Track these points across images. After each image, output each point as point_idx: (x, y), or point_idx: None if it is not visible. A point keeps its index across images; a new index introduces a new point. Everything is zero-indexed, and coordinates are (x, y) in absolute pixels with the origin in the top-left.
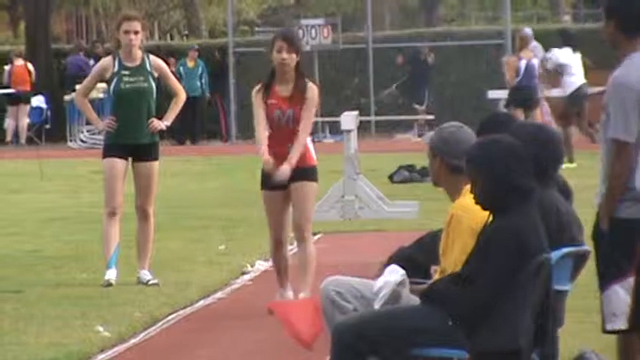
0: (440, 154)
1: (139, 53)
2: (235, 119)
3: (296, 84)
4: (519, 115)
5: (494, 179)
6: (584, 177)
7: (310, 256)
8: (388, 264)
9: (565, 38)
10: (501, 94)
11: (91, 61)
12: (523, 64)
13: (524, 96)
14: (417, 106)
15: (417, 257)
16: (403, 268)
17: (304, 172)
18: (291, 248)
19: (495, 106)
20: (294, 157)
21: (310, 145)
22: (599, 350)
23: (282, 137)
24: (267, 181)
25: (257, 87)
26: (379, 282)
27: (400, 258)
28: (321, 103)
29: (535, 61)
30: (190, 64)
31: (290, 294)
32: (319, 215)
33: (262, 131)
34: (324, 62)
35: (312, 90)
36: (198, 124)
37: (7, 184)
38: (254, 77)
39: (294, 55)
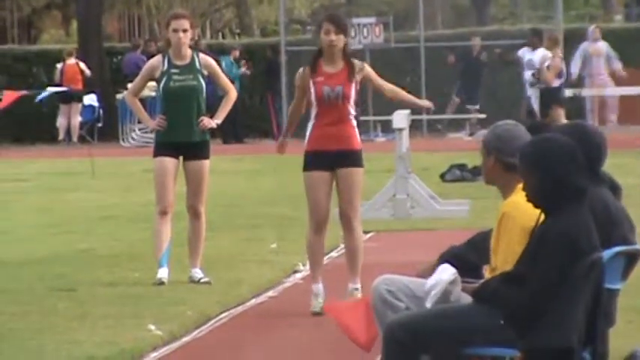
0: (494, 151)
1: (188, 52)
2: (287, 118)
3: (345, 63)
4: (561, 113)
5: (547, 177)
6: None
7: (359, 246)
8: (439, 263)
9: (539, 37)
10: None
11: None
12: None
13: (560, 95)
14: (469, 106)
15: (468, 256)
16: (454, 266)
17: (350, 157)
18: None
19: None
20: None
21: (356, 129)
22: None
23: (333, 115)
24: (311, 162)
25: (301, 69)
26: (431, 280)
27: (451, 257)
28: (372, 101)
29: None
30: (234, 55)
31: (321, 287)
32: (371, 214)
33: (292, 112)
34: (375, 61)
35: (363, 65)
36: (238, 123)
37: (60, 182)
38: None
39: (341, 36)
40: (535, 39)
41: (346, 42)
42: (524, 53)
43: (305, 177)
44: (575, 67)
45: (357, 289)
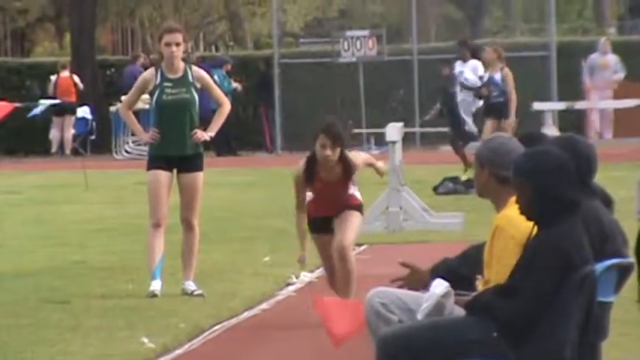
0: (489, 164)
1: (181, 65)
2: (280, 130)
3: (342, 169)
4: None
5: (540, 190)
6: (627, 189)
7: (351, 274)
8: (431, 274)
9: (471, 50)
10: (548, 106)
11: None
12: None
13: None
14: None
15: (461, 269)
16: (447, 279)
17: (349, 207)
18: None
19: (540, 118)
20: None
21: (357, 191)
22: None
23: (328, 202)
24: (316, 227)
25: (298, 172)
26: (425, 296)
27: (444, 269)
28: (366, 114)
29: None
30: (228, 67)
31: None
32: (364, 227)
33: (300, 222)
34: (369, 73)
35: (358, 162)
36: (231, 135)
37: (53, 195)
38: (299, 88)
39: (338, 149)
40: (465, 51)
41: (342, 150)
42: (457, 66)
43: (313, 238)
44: (586, 79)
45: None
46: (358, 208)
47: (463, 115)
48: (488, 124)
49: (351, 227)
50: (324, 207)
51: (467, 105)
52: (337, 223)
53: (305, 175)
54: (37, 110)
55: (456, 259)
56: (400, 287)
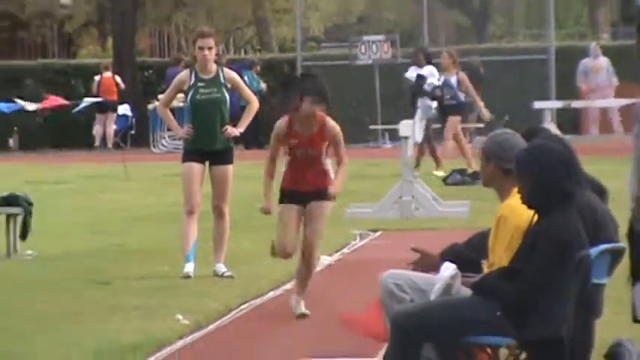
0: (494, 158)
1: (213, 66)
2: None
3: (319, 128)
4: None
5: (539, 182)
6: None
7: (313, 268)
8: (441, 257)
9: (425, 55)
10: (547, 105)
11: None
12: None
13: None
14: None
15: (467, 253)
16: (455, 262)
17: (322, 190)
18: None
19: (540, 116)
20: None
21: (331, 172)
22: (631, 338)
23: (303, 168)
24: (286, 198)
25: (279, 126)
26: (435, 278)
27: (453, 253)
28: (381, 112)
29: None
30: (256, 76)
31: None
32: (379, 214)
33: (268, 171)
34: (384, 75)
35: (334, 126)
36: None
37: (95, 185)
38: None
39: (322, 107)
40: (420, 56)
41: (325, 108)
42: (412, 71)
43: (280, 209)
44: (579, 82)
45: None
46: (328, 194)
47: (416, 119)
48: (451, 120)
49: (320, 225)
50: (299, 176)
51: (427, 109)
52: (308, 215)
53: (285, 129)
54: (81, 106)
55: (464, 244)
56: (413, 270)
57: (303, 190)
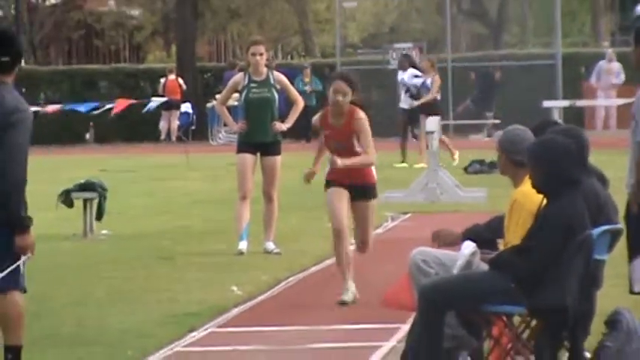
0: (506, 151)
1: (264, 70)
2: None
3: (348, 117)
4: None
5: (548, 172)
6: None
7: (349, 257)
8: (463, 236)
9: (410, 62)
10: (555, 104)
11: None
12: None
13: (438, 106)
14: (487, 113)
15: (485, 234)
16: (475, 241)
17: (365, 191)
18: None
19: (548, 113)
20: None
21: (373, 168)
22: (629, 308)
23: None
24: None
25: (315, 119)
26: (457, 255)
27: (473, 233)
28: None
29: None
30: (306, 79)
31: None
32: (408, 199)
33: (321, 146)
34: None
35: (362, 114)
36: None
37: (161, 173)
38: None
39: (349, 96)
40: (404, 62)
41: (353, 98)
42: (399, 75)
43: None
44: (593, 80)
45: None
46: (373, 190)
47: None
48: (422, 119)
49: (370, 227)
50: (341, 170)
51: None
52: (357, 220)
53: (319, 121)
54: (150, 106)
55: (483, 225)
56: (437, 247)
57: (346, 183)
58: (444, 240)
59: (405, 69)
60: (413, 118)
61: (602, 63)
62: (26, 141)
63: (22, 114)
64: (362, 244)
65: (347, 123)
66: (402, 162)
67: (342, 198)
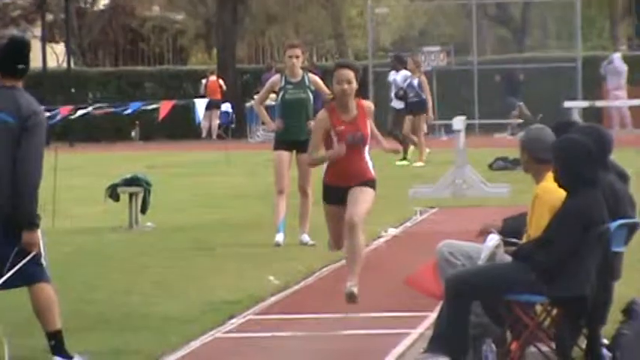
0: (527, 149)
1: (300, 72)
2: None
3: (358, 108)
4: (424, 119)
5: (570, 169)
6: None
7: (358, 248)
8: (503, 225)
9: (401, 62)
10: (575, 104)
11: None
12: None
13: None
14: (513, 113)
15: (512, 227)
16: (501, 235)
17: (363, 182)
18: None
19: (570, 113)
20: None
21: (372, 167)
22: None
23: (346, 164)
24: (328, 197)
25: (322, 114)
26: (483, 247)
27: (503, 227)
28: (438, 109)
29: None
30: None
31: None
32: (436, 194)
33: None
34: (440, 79)
35: (368, 103)
36: None
37: (203, 168)
38: (387, 89)
39: (354, 84)
40: (397, 63)
41: (358, 84)
42: (391, 75)
43: (324, 208)
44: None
45: (353, 285)
46: (372, 184)
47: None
48: (407, 119)
49: (364, 203)
50: (342, 169)
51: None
52: (350, 197)
53: (328, 115)
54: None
55: (510, 218)
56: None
57: (346, 185)
58: (493, 230)
59: (397, 70)
60: (399, 118)
61: (610, 66)
62: (42, 142)
63: (37, 117)
64: (350, 221)
65: (361, 114)
66: (403, 159)
67: (339, 220)
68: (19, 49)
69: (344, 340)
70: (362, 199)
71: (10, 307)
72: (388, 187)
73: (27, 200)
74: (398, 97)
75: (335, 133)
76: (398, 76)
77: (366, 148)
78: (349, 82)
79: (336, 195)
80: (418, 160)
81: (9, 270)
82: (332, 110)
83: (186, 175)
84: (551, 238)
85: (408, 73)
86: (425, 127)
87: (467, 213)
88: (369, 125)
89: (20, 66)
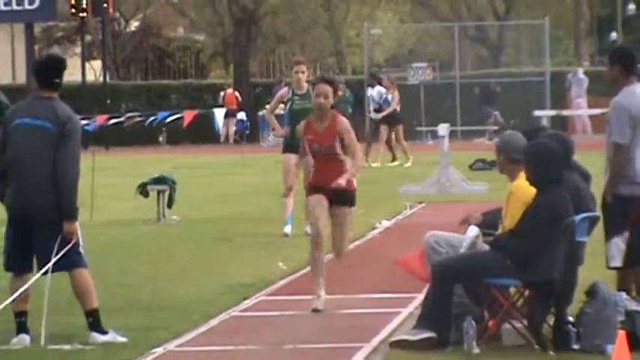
0: (503, 152)
1: (305, 85)
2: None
3: (330, 123)
4: (400, 129)
5: (539, 169)
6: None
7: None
8: (483, 216)
9: (377, 79)
10: (544, 113)
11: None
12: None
13: (398, 116)
14: (489, 120)
15: (489, 220)
16: (480, 227)
17: (346, 197)
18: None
19: (539, 121)
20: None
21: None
22: (605, 281)
23: (324, 165)
24: (312, 191)
25: (301, 125)
26: (464, 237)
27: (482, 220)
28: (425, 117)
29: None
30: (340, 92)
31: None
32: (424, 190)
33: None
34: (427, 91)
35: (344, 122)
36: None
37: (221, 169)
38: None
39: (330, 99)
40: (373, 80)
41: (334, 100)
42: (369, 91)
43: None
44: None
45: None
46: (353, 197)
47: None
48: (382, 128)
49: (346, 233)
50: (320, 175)
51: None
52: (335, 223)
53: (304, 126)
54: (216, 123)
55: (488, 213)
56: (465, 228)
57: (325, 184)
58: (474, 221)
59: (373, 86)
60: (377, 127)
61: (571, 76)
62: (78, 145)
63: (73, 123)
64: (337, 251)
65: (330, 126)
66: (393, 160)
67: (322, 207)
68: (56, 65)
69: (343, 318)
70: (345, 229)
71: (53, 290)
72: (382, 185)
73: (66, 196)
74: (376, 111)
75: (305, 140)
76: (374, 92)
77: (341, 156)
78: (326, 97)
79: (317, 190)
80: (406, 162)
81: (52, 257)
82: (309, 121)
83: (207, 175)
84: (523, 230)
85: (383, 90)
86: (401, 135)
87: (450, 208)
88: (341, 138)
89: (56, 80)
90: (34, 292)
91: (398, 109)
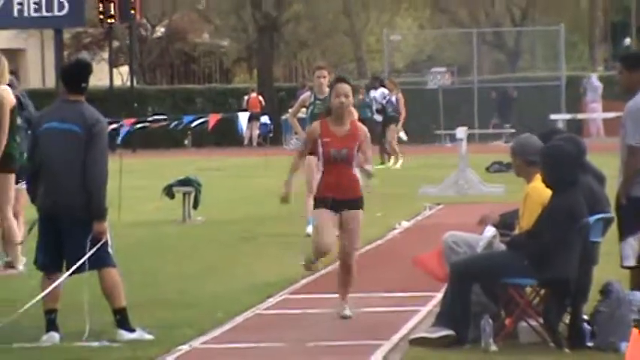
0: (519, 154)
1: (326, 90)
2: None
3: (350, 127)
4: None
5: (554, 172)
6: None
7: (352, 280)
8: (500, 219)
9: (380, 82)
10: (559, 117)
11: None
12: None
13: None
14: (505, 125)
15: (506, 221)
16: (497, 227)
17: (353, 202)
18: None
19: (555, 124)
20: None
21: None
22: (619, 280)
23: (336, 174)
24: (320, 204)
25: (315, 125)
26: (481, 237)
27: (500, 220)
28: (443, 121)
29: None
30: (361, 96)
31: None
32: (442, 192)
33: (295, 163)
34: (445, 95)
35: (362, 126)
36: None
37: (245, 171)
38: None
39: (350, 98)
40: (375, 82)
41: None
42: (372, 93)
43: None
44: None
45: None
46: (361, 203)
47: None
48: (391, 128)
49: (356, 235)
50: (332, 182)
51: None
52: (344, 229)
53: (320, 127)
54: (240, 126)
55: (506, 214)
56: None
57: (338, 198)
58: (492, 221)
59: (376, 88)
60: (384, 129)
61: (585, 82)
62: (105, 146)
63: (100, 125)
64: (346, 256)
65: (352, 132)
66: (382, 163)
67: (330, 228)
68: (83, 69)
69: (364, 316)
70: (354, 231)
71: (82, 289)
72: (401, 186)
73: (96, 197)
74: (378, 111)
75: (321, 143)
76: (377, 93)
77: (354, 165)
78: (346, 96)
79: (326, 203)
80: (395, 163)
81: (82, 257)
82: (324, 122)
83: (231, 177)
84: (539, 230)
85: (386, 91)
86: (395, 136)
87: (468, 209)
88: (360, 146)
89: (83, 84)
90: (65, 290)
91: (404, 112)
